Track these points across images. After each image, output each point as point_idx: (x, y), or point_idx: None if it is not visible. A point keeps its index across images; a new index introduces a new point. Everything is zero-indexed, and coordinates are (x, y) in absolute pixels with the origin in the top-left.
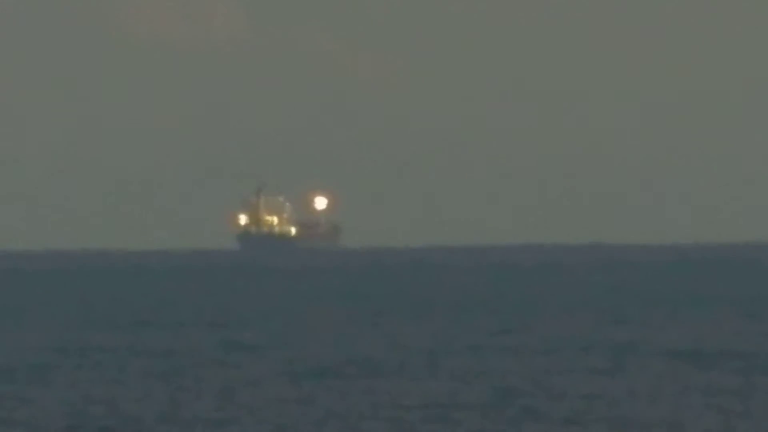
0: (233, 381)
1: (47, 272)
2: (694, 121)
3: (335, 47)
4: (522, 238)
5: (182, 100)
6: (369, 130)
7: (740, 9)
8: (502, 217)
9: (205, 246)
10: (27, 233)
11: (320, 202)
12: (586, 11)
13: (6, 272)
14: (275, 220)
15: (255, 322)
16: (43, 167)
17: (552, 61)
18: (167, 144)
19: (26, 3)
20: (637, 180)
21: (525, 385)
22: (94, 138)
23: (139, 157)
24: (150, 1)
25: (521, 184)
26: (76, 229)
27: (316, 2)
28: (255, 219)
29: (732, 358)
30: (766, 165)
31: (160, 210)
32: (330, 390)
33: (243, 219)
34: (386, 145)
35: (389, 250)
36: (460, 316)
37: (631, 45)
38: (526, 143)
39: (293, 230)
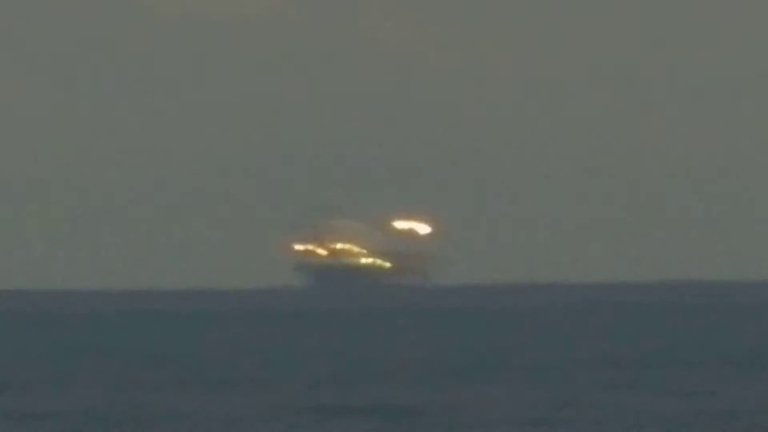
0: None
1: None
2: None
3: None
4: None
5: (229, 96)
6: (473, 136)
7: None
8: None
9: (260, 283)
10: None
11: (413, 228)
12: None
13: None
14: (352, 249)
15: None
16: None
17: None
18: (204, 155)
19: None
20: None
21: None
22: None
23: (168, 171)
24: None
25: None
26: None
27: None
28: (321, 247)
29: None
30: None
31: (199, 240)
32: None
33: (305, 247)
34: (499, 156)
35: (501, 288)
36: None
37: None
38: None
39: (376, 262)
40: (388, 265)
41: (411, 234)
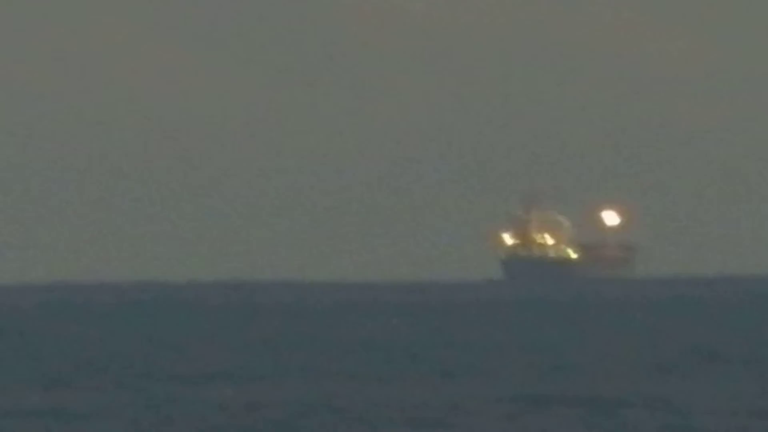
0: None
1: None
2: None
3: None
4: None
5: (414, 76)
6: (671, 123)
7: None
8: None
9: (457, 276)
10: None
11: (609, 218)
12: None
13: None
14: (550, 240)
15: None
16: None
17: None
18: (389, 138)
19: None
20: None
21: None
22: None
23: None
24: None
25: None
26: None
27: None
28: (524, 240)
29: None
30: None
31: (389, 232)
32: None
33: (509, 240)
34: (697, 142)
35: (697, 281)
36: None
37: None
38: None
39: (574, 254)
40: (585, 256)
41: (611, 226)
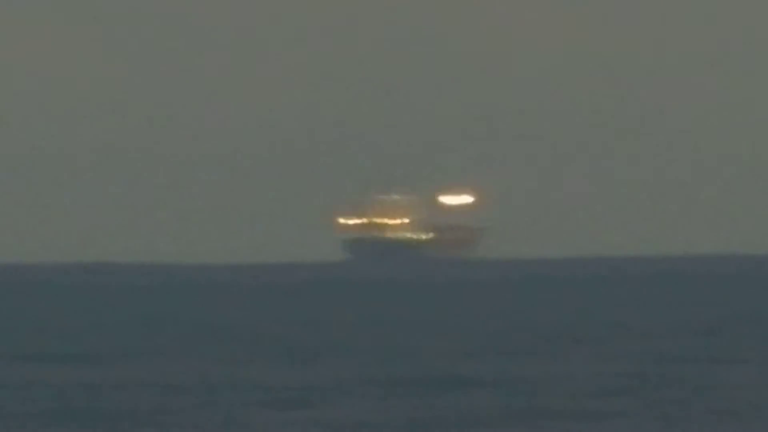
0: None
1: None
2: None
3: None
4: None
5: (279, 69)
6: (524, 101)
7: None
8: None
9: (302, 258)
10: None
11: (458, 199)
12: None
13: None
14: (397, 221)
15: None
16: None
17: None
18: (240, 122)
19: None
20: None
21: None
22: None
23: (200, 141)
24: None
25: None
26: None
27: None
28: (370, 221)
29: None
30: None
31: (240, 212)
32: None
33: (352, 222)
34: (548, 123)
35: (547, 262)
36: None
37: None
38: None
39: (421, 235)
40: (432, 238)
41: (457, 207)
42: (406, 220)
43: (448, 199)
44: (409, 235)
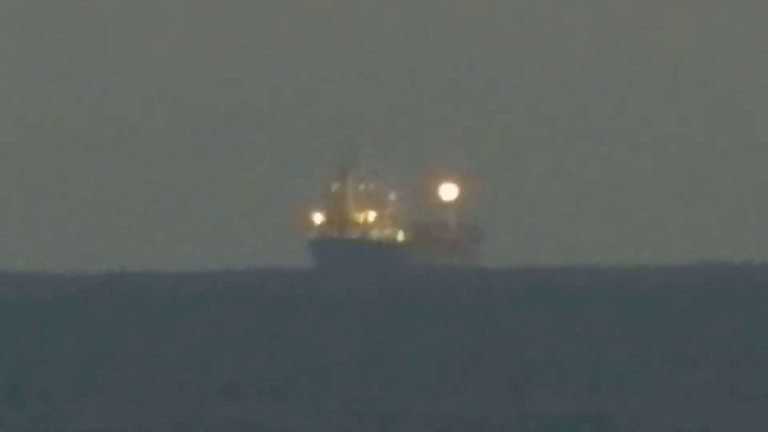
0: None
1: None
2: None
3: None
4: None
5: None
6: (527, 84)
7: None
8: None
9: (258, 262)
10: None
11: (447, 193)
12: None
13: None
14: (372, 218)
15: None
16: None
17: None
18: (185, 102)
19: None
20: None
21: None
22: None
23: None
24: None
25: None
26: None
27: None
28: (339, 218)
29: None
30: None
31: (189, 208)
32: None
33: (319, 218)
34: (559, 106)
35: (551, 271)
36: None
37: None
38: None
39: (401, 235)
40: (418, 239)
41: (449, 202)
42: (384, 216)
43: (445, 191)
44: (387, 235)
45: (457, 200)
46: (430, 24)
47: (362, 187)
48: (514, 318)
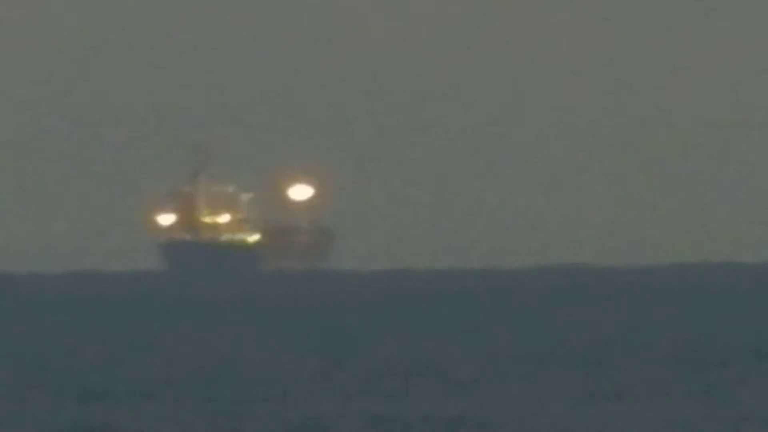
0: None
1: None
2: None
3: None
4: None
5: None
6: (377, 81)
7: None
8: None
9: (105, 265)
10: None
11: (299, 194)
12: None
13: None
14: (224, 220)
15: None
16: None
17: None
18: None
19: None
20: None
21: None
22: None
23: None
24: None
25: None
26: None
27: None
28: (189, 219)
29: None
30: None
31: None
32: None
33: (168, 219)
34: (407, 105)
35: (409, 273)
36: None
37: None
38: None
39: (254, 238)
40: (267, 241)
41: (303, 204)
42: (237, 218)
43: (292, 193)
44: (238, 236)
45: (309, 201)
46: (279, 23)
47: (214, 188)
48: (367, 321)
